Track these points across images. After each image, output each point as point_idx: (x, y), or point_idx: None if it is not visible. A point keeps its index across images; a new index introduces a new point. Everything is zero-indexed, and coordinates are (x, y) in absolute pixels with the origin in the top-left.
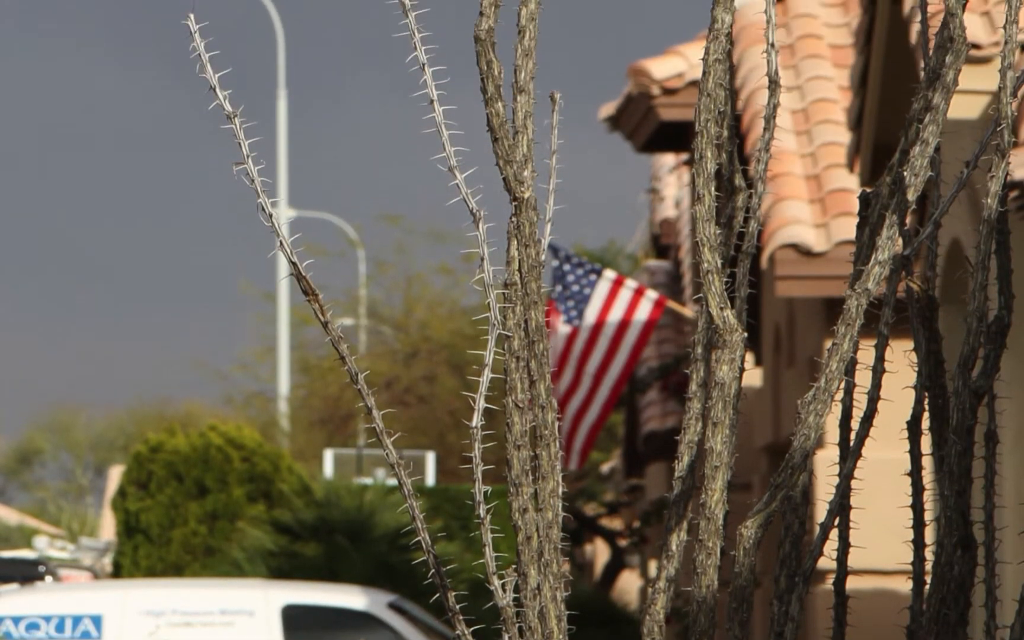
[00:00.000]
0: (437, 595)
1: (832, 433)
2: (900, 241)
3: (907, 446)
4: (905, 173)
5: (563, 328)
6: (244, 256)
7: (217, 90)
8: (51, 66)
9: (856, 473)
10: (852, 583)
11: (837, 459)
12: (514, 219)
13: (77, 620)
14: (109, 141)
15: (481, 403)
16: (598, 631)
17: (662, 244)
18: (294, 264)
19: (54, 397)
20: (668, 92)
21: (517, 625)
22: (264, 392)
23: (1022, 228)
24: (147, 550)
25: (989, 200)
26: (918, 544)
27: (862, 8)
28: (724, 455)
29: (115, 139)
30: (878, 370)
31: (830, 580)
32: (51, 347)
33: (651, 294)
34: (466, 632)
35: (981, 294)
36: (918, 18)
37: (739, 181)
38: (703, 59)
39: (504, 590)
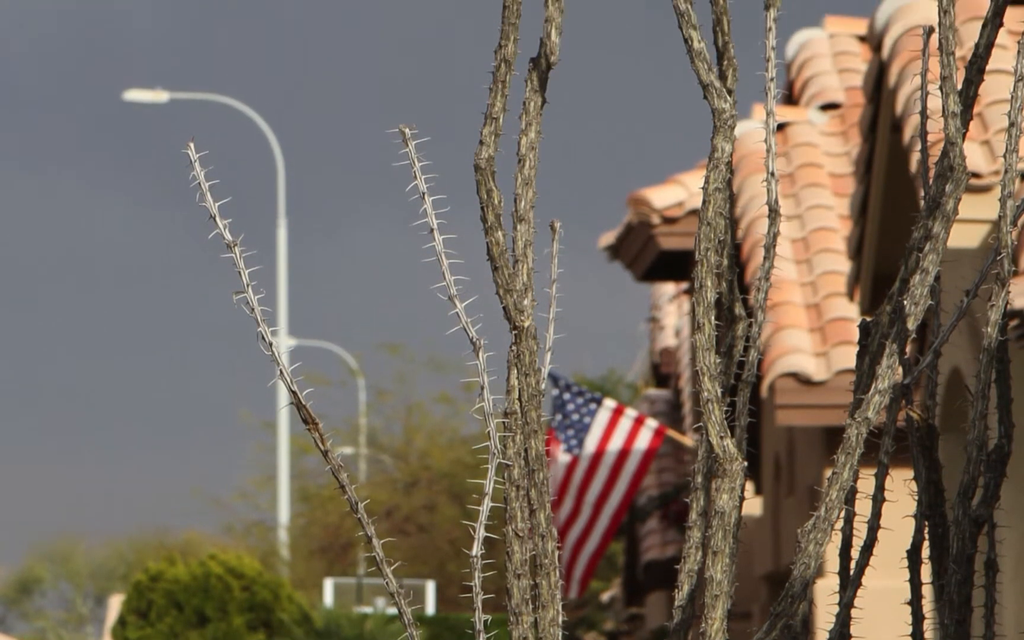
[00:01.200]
0: None
1: (832, 562)
2: (900, 370)
3: (907, 575)
4: (905, 302)
5: (563, 457)
6: (244, 385)
7: (217, 219)
8: (51, 199)
9: (856, 602)
10: None
11: (837, 588)
12: (514, 348)
13: None
14: (109, 270)
15: (481, 532)
16: None
17: (662, 373)
18: (294, 393)
19: (54, 526)
20: (668, 221)
21: None
22: (264, 521)
23: (1022, 357)
24: None
25: (989, 329)
26: None
27: (862, 137)
28: (724, 584)
29: (115, 268)
30: (878, 499)
31: None
32: (50, 476)
33: (651, 423)
34: None
35: (981, 423)
36: (918, 147)
37: (739, 310)
38: (703, 188)
39: None
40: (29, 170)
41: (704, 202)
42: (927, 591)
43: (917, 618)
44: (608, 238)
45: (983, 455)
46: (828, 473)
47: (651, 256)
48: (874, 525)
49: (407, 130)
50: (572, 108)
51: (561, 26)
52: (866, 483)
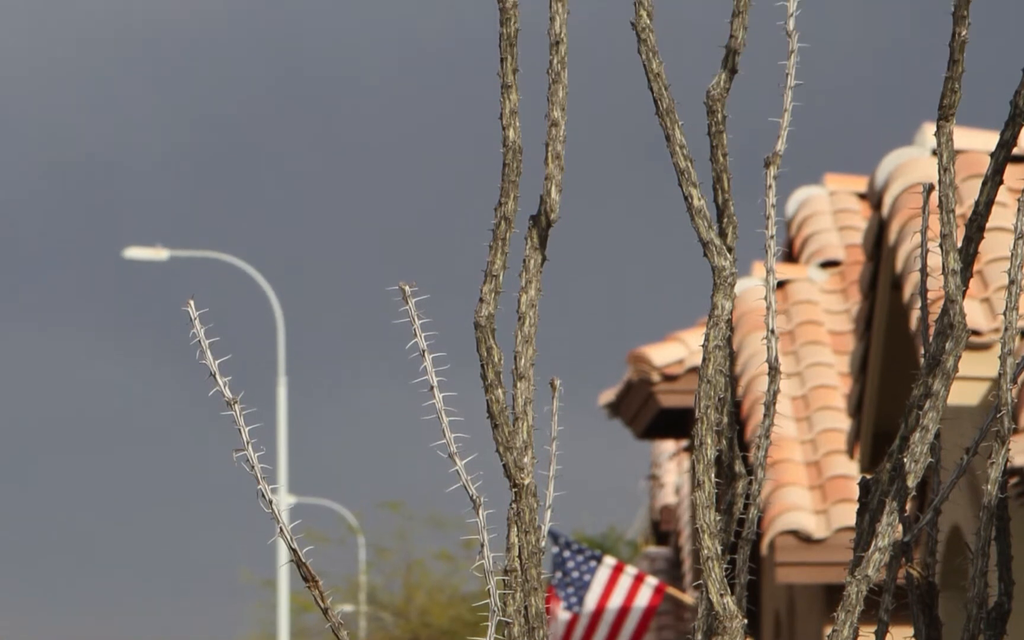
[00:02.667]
0: None
1: None
2: (900, 528)
3: None
4: (905, 460)
5: (563, 614)
6: (244, 543)
7: (217, 376)
8: (50, 356)
9: None
10: None
11: None
12: (514, 506)
13: None
14: (108, 427)
15: None
16: None
17: (662, 530)
18: (294, 551)
19: None
20: (668, 378)
21: None
22: None
23: (1022, 515)
24: None
25: (989, 487)
26: None
27: (862, 295)
28: None
29: (114, 425)
30: None
31: None
32: (49, 633)
33: (651, 581)
34: None
35: (981, 581)
36: (918, 304)
37: (739, 468)
38: (703, 346)
39: None
40: (28, 327)
41: (704, 359)
42: None
43: None
44: (608, 395)
45: (983, 613)
46: (828, 631)
47: (651, 413)
48: None
49: (407, 288)
50: (571, 263)
51: (561, 183)
52: None
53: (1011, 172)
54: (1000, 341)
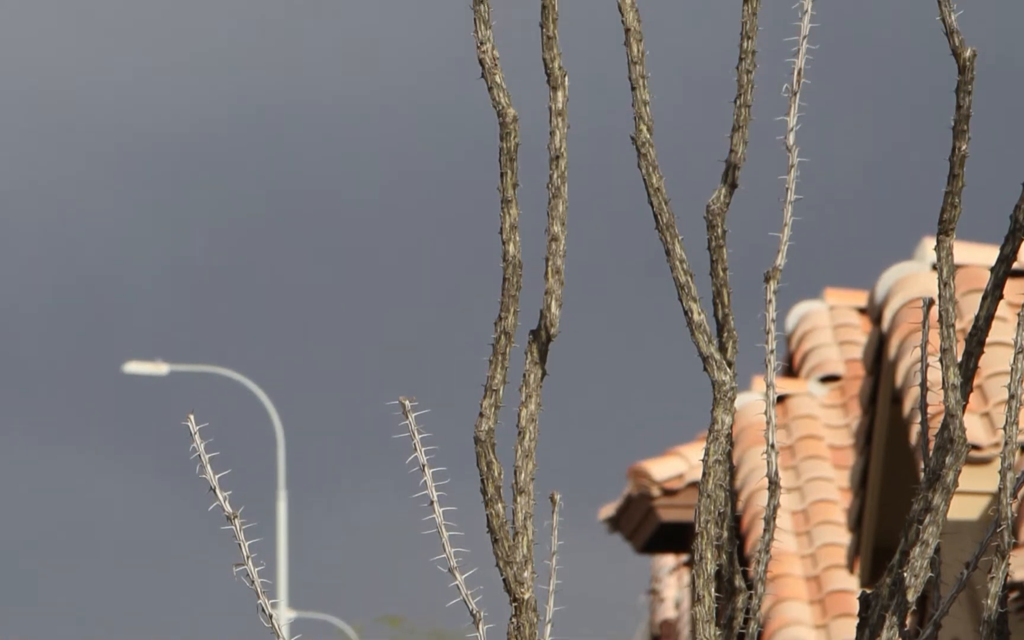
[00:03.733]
0: None
1: None
2: None
3: None
4: (905, 574)
5: None
6: None
7: (217, 491)
8: (49, 470)
9: None
10: None
11: None
12: (514, 620)
13: None
14: (107, 541)
15: None
16: None
17: None
18: None
19: None
20: (668, 493)
21: None
22: None
23: (1023, 630)
24: None
25: (989, 601)
26: None
27: (862, 409)
28: None
29: (113, 539)
30: None
31: None
32: None
33: None
34: None
35: None
36: (918, 419)
37: (739, 582)
38: (703, 460)
39: None
40: (28, 441)
41: (704, 474)
42: None
43: None
44: (608, 510)
45: None
46: None
47: (651, 528)
48: None
49: (407, 402)
50: (571, 377)
51: (561, 298)
52: None
53: (1011, 286)
54: (1000, 455)
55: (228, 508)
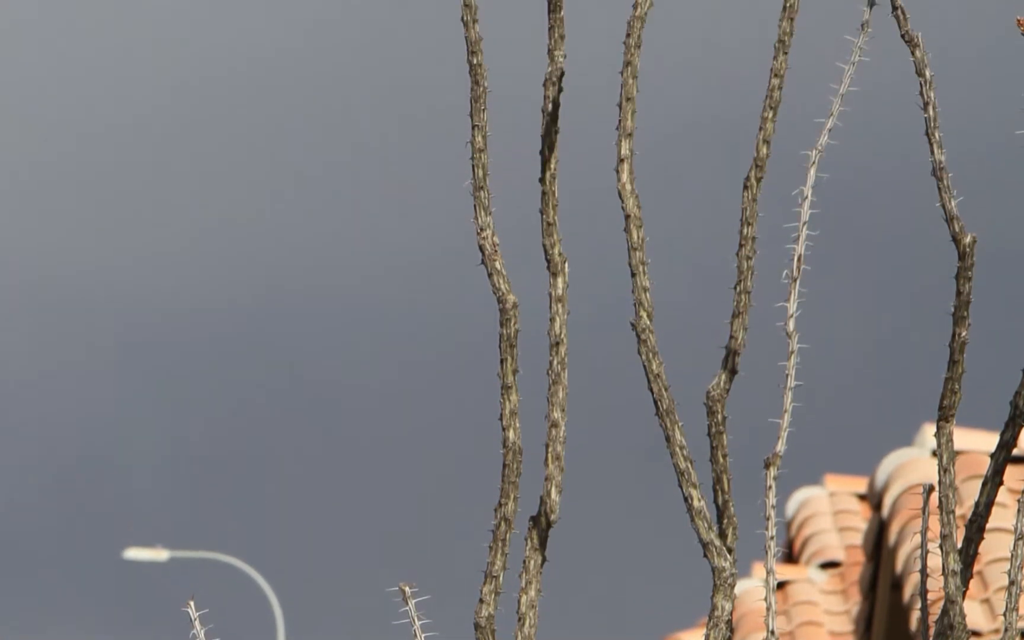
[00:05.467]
0: None
1: None
2: None
3: None
4: None
5: None
6: None
7: None
8: None
9: None
10: None
11: None
12: None
13: None
14: None
15: None
16: None
17: None
18: None
19: None
20: None
21: None
22: None
23: None
24: None
25: None
26: None
27: (862, 595)
28: None
29: None
30: None
31: None
32: None
33: None
34: None
35: None
36: (918, 605)
37: None
38: None
39: None
40: (26, 627)
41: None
42: None
43: None
44: None
45: None
46: None
47: None
48: None
49: (407, 588)
50: (571, 562)
51: (561, 484)
52: None
53: (1011, 473)
54: None
55: None
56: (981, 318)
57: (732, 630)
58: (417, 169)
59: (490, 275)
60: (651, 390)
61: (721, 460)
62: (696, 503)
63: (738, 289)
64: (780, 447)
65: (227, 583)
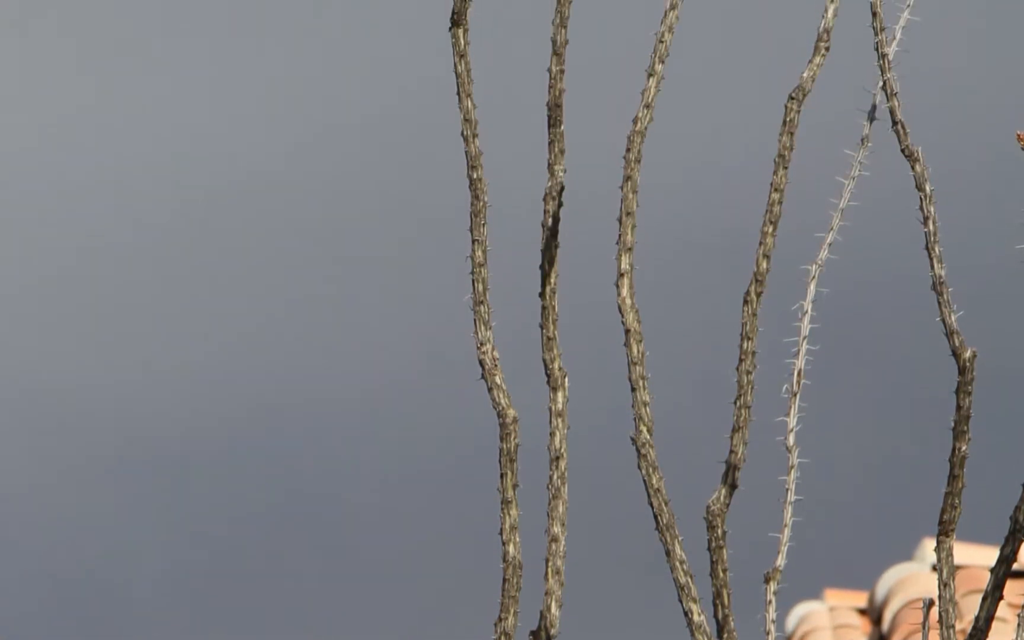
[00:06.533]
0: None
1: None
2: None
3: None
4: None
5: None
6: None
7: None
8: None
9: None
10: None
11: None
12: None
13: None
14: None
15: None
16: None
17: None
18: None
19: None
20: None
21: None
22: None
23: None
24: None
25: None
26: None
27: None
28: None
29: None
30: None
31: None
32: None
33: None
34: None
35: None
36: None
37: None
38: None
39: None
40: None
41: None
42: None
43: None
44: None
45: None
46: None
47: None
48: None
49: None
50: None
51: (561, 599)
52: None
53: (1011, 587)
54: None
55: None
56: (981, 433)
57: None
58: (417, 283)
59: (490, 389)
60: (651, 504)
61: (721, 574)
62: (696, 617)
63: (738, 403)
64: (780, 561)
65: None
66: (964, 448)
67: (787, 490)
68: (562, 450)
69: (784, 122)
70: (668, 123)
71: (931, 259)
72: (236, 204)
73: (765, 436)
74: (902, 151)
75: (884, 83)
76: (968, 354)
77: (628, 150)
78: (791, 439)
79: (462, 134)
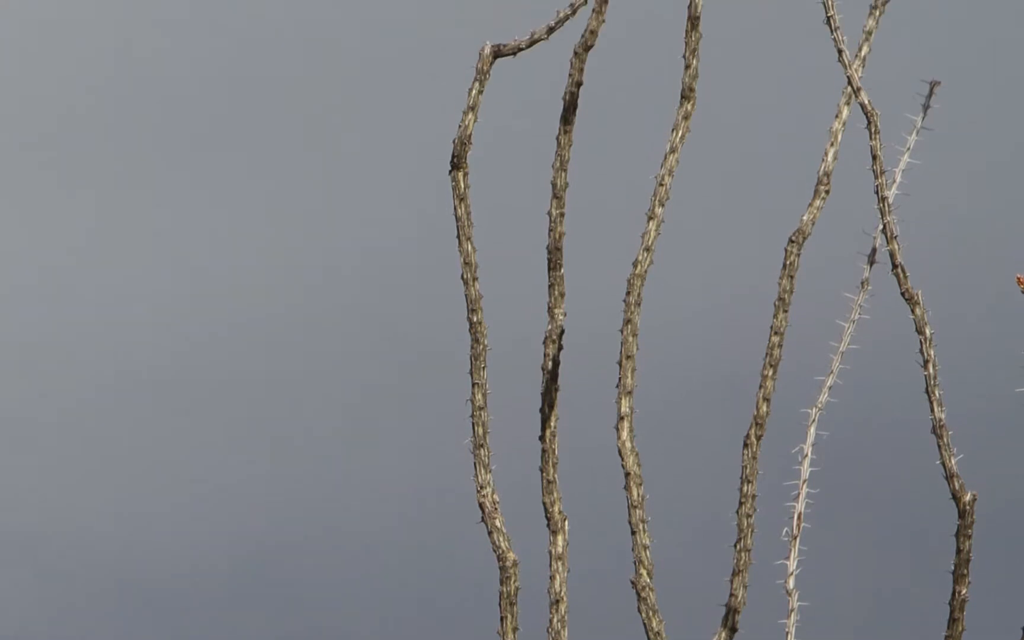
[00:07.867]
0: None
1: None
2: None
3: None
4: None
5: None
6: None
7: None
8: None
9: None
10: None
11: None
12: None
13: None
14: None
15: None
16: None
17: None
18: None
19: None
20: None
21: None
22: None
23: None
24: None
25: None
26: None
27: None
28: None
29: None
30: None
31: None
32: None
33: None
34: None
35: None
36: None
37: None
38: None
39: None
40: None
41: None
42: None
43: None
44: None
45: None
46: None
47: None
48: None
49: None
50: None
51: None
52: None
53: None
54: None
55: None
56: (981, 576)
57: None
58: (416, 427)
59: (490, 533)
60: None
61: None
62: None
63: (738, 547)
64: None
65: None
66: (964, 591)
67: (787, 633)
68: (562, 593)
69: (784, 265)
70: (668, 267)
71: (931, 402)
72: (234, 347)
73: (765, 579)
74: (902, 294)
75: (884, 226)
76: (968, 497)
77: (628, 293)
78: (791, 582)
79: (462, 277)
